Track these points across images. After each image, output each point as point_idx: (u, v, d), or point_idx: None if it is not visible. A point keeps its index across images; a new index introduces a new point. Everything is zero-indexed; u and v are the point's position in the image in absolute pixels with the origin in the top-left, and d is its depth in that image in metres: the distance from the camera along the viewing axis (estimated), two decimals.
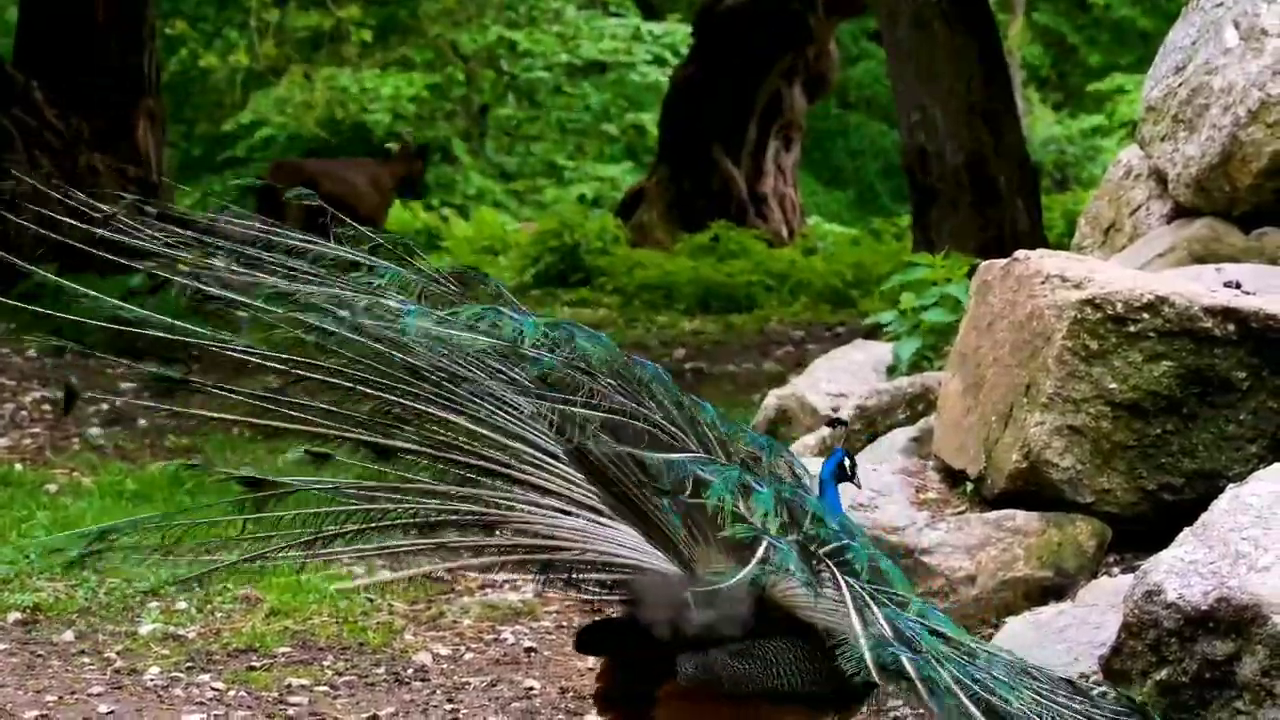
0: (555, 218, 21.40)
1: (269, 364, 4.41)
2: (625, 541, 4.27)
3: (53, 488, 8.71)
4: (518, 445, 4.34)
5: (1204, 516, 4.87)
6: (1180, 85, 7.12)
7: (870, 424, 7.45)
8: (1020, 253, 6.12)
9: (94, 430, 10.28)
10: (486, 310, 4.49)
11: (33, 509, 8.06)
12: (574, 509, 4.31)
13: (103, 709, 5.69)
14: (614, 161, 29.10)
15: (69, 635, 6.46)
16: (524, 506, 4.32)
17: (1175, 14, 7.56)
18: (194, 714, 5.67)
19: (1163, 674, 4.63)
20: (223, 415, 4.52)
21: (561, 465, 4.33)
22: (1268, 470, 5.12)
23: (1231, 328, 5.71)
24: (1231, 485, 5.05)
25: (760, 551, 4.13)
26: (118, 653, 6.26)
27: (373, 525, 4.37)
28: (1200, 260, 6.79)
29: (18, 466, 9.21)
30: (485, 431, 4.34)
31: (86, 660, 6.20)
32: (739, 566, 4.14)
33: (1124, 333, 5.74)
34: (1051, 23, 30.29)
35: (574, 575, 4.36)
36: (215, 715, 5.67)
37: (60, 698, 5.80)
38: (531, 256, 19.48)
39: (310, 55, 28.02)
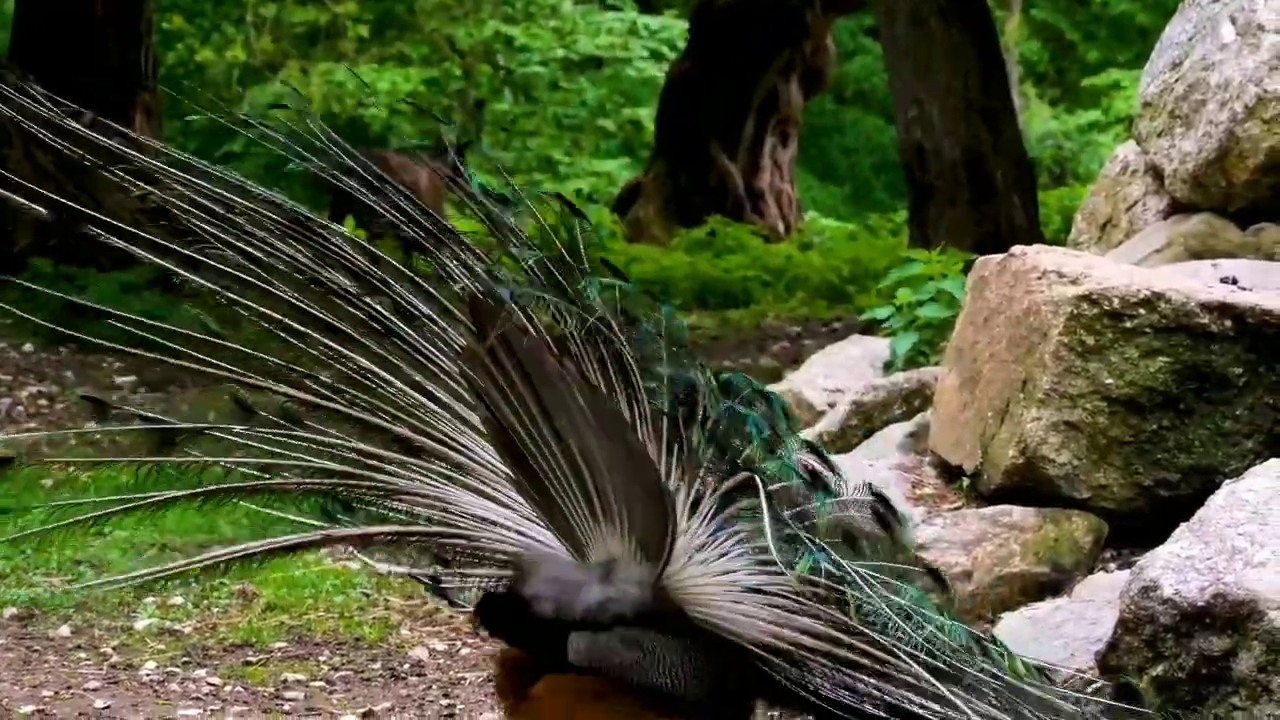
0: None
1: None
2: (510, 514, 4.03)
3: (49, 483, 8.69)
4: (436, 408, 4.09)
5: (1200, 512, 4.86)
6: (1177, 81, 7.11)
7: (866, 419, 7.44)
8: (1017, 248, 6.11)
9: (90, 425, 10.25)
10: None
11: (28, 504, 8.04)
12: (465, 477, 4.06)
13: (99, 704, 5.69)
14: (610, 157, 29.06)
15: (65, 630, 6.45)
16: (423, 479, 4.09)
17: (1172, 10, 7.55)
18: (190, 709, 5.67)
19: (1159, 670, 4.63)
20: (139, 352, 4.33)
21: (470, 430, 4.06)
22: (1264, 466, 5.11)
23: (1228, 323, 5.71)
24: (1228, 481, 5.04)
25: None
26: (114, 648, 6.26)
27: (270, 485, 4.20)
28: (1197, 256, 6.78)
29: None
30: (412, 392, 4.11)
31: (83, 655, 6.20)
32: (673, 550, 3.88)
33: (1120, 328, 5.73)
34: (1049, 19, 30.27)
35: (453, 556, 4.15)
36: (211, 710, 5.66)
37: (56, 693, 5.80)
38: None
39: (307, 50, 28.00)
